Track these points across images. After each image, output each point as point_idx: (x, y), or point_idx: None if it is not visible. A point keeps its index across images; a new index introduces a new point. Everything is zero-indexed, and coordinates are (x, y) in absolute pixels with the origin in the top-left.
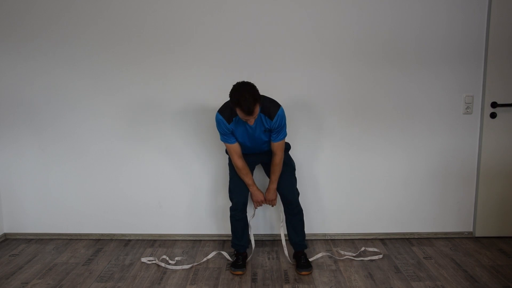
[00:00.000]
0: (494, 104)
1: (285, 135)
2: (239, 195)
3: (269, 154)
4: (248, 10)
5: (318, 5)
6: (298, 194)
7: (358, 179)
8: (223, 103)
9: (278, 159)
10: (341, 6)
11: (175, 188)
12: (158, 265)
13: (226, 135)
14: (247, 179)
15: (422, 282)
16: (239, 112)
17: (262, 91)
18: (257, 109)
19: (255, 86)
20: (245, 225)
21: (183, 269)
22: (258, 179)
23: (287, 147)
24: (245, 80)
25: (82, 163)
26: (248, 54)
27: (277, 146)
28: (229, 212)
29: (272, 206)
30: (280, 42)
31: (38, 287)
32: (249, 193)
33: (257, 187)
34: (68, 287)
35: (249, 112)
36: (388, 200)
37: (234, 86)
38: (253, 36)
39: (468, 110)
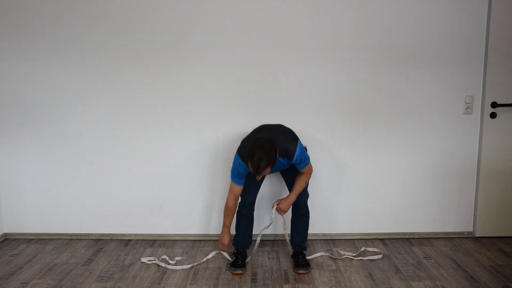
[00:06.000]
0: (494, 104)
1: (309, 160)
2: (248, 195)
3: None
4: (248, 11)
5: (318, 6)
6: (307, 196)
7: (358, 179)
8: (240, 143)
9: (308, 176)
10: (341, 6)
11: (175, 188)
12: (158, 265)
13: (239, 177)
14: (227, 220)
15: (422, 282)
16: (249, 166)
17: (262, 92)
18: (267, 171)
19: (272, 147)
20: (250, 223)
21: (183, 269)
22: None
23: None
24: (265, 138)
25: (82, 163)
26: (248, 54)
27: (303, 170)
28: None
29: (281, 214)
30: (280, 42)
31: (38, 287)
32: (257, 193)
33: (229, 231)
34: (68, 287)
35: (257, 173)
36: (388, 200)
37: (254, 141)
38: (254, 37)
39: (468, 110)
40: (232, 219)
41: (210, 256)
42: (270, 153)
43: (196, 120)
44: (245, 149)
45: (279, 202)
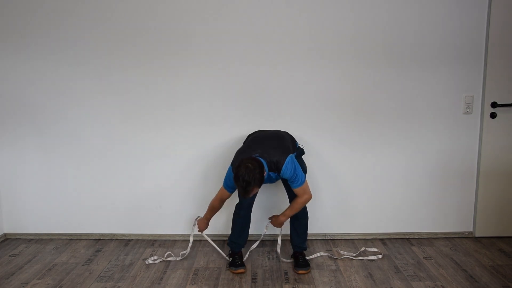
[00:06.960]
0: (494, 104)
1: (303, 181)
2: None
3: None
4: (248, 12)
5: (317, 5)
6: None
7: (358, 179)
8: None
9: (301, 200)
10: (340, 6)
11: (175, 188)
12: (162, 261)
13: (231, 187)
14: (209, 214)
15: (422, 282)
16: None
17: (261, 91)
18: (255, 191)
19: (258, 167)
20: (246, 224)
21: (183, 269)
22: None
23: (301, 152)
24: (254, 156)
25: (83, 163)
26: (247, 54)
27: (297, 192)
28: (228, 212)
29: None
30: (278, 42)
31: (38, 287)
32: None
33: (208, 221)
34: (68, 287)
35: (245, 195)
36: (388, 200)
37: (240, 162)
38: (252, 37)
39: (468, 110)
40: (214, 215)
41: (190, 245)
42: (255, 175)
43: (197, 121)
44: (237, 159)
45: (272, 219)
